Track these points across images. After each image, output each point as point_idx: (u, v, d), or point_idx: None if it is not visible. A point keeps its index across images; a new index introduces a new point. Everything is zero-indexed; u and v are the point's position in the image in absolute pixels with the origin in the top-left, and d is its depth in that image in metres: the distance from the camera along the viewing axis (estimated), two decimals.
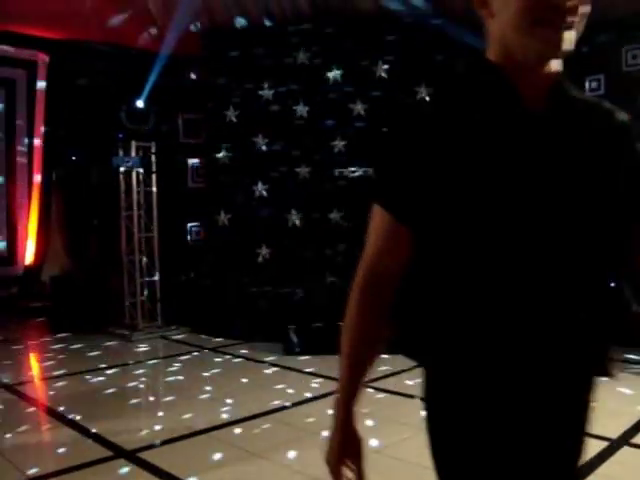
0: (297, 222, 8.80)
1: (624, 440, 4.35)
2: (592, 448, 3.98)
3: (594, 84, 8.07)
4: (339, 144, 8.87)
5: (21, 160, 10.75)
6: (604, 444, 4.19)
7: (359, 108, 8.87)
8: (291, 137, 8.85)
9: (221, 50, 9.13)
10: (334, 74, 8.89)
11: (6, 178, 10.53)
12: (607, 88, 7.93)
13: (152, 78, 8.90)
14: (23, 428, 5.05)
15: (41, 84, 10.73)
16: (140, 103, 8.77)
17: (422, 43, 8.79)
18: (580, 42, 1.35)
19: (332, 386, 5.70)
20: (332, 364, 6.29)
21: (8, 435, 4.76)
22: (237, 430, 4.79)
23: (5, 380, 6.36)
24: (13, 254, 10.60)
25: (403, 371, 6.30)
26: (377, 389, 5.74)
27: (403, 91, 8.80)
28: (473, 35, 8.17)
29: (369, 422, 4.83)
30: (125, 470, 4.07)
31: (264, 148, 8.89)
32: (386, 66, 8.83)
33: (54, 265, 10.66)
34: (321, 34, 8.92)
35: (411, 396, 5.35)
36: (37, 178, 10.83)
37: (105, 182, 9.67)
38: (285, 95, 8.94)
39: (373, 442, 4.36)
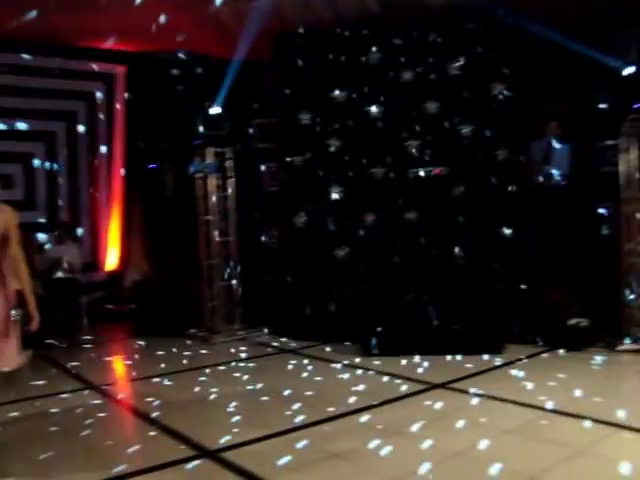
0: (373, 223, 8.77)
1: None
2: None
3: None
4: (413, 144, 8.80)
5: (102, 169, 11.10)
6: None
7: (433, 107, 8.78)
8: (365, 139, 8.82)
9: (293, 54, 9.18)
10: (407, 74, 8.83)
11: (89, 187, 10.88)
12: None
13: (226, 84, 9.02)
14: (110, 427, 5.20)
15: (120, 95, 11.06)
16: (215, 109, 8.90)
17: (495, 39, 8.66)
18: None
19: (411, 387, 5.69)
20: (411, 366, 6.27)
21: (96, 434, 4.91)
22: (318, 431, 4.79)
23: (92, 381, 6.55)
24: (96, 260, 10.95)
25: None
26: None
27: (477, 89, 8.68)
28: (547, 29, 8.01)
29: (447, 423, 4.78)
30: (208, 469, 4.14)
31: (338, 150, 8.89)
32: (459, 64, 8.72)
33: (136, 270, 10.98)
34: (392, 34, 8.88)
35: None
36: (117, 186, 11.16)
37: (183, 188, 9.87)
38: (358, 97, 8.93)
39: (447, 443, 4.32)
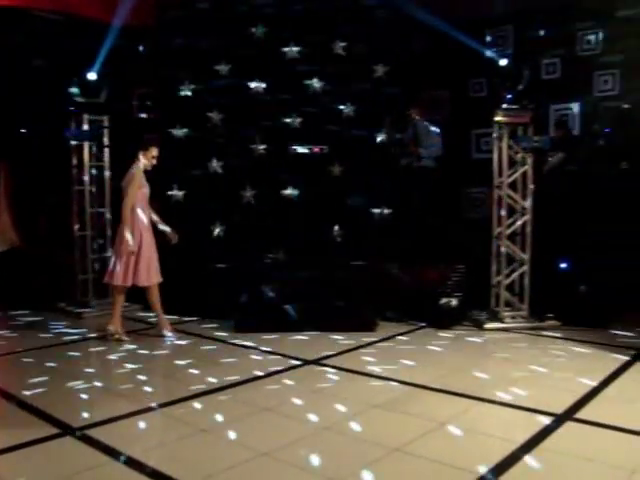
0: (251, 199, 8.72)
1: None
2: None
3: None
4: (295, 121, 8.79)
5: None
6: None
7: (316, 85, 8.80)
8: (247, 113, 8.74)
9: (176, 22, 8.94)
10: (291, 50, 8.79)
11: None
12: None
13: (104, 50, 8.65)
14: None
15: None
16: (92, 75, 8.52)
17: (379, 21, 8.80)
18: None
19: (278, 363, 5.71)
20: (277, 341, 6.28)
21: None
22: (182, 409, 4.73)
23: None
24: None
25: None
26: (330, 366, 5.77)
27: (361, 69, 8.79)
28: (429, 13, 8.27)
29: (317, 399, 4.85)
30: (72, 446, 4.00)
31: (219, 124, 8.76)
32: (343, 43, 8.79)
33: (3, 241, 10.42)
34: (279, 9, 8.82)
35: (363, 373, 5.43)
36: None
37: (56, 157, 9.44)
38: (241, 70, 8.81)
39: (317, 418, 4.38)
